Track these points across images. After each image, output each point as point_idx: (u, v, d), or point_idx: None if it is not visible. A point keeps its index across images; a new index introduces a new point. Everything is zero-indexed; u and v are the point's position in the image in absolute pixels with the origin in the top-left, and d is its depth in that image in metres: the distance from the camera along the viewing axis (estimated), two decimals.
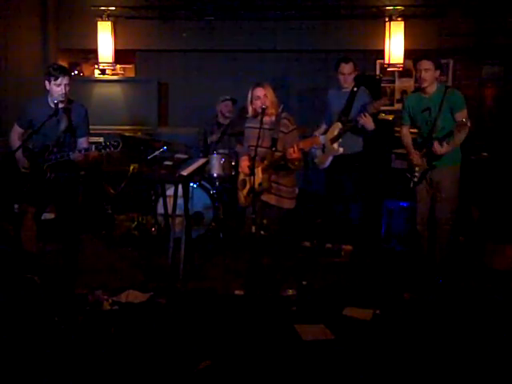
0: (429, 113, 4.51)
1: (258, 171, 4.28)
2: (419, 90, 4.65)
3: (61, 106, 4.33)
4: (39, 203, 4.48)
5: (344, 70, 5.21)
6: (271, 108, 4.35)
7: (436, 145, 4.42)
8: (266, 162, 4.28)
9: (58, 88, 4.29)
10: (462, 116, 4.41)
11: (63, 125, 4.34)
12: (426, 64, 4.46)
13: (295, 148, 4.08)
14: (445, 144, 4.41)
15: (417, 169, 4.60)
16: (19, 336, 3.62)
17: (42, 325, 3.76)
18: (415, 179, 4.63)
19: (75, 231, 4.63)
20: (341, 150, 5.05)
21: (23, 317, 3.84)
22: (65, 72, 4.32)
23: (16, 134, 4.54)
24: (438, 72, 4.51)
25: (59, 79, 4.27)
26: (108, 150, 4.27)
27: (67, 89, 4.31)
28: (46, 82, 4.34)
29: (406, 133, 4.79)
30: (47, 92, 4.38)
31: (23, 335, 3.63)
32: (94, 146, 4.29)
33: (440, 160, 4.50)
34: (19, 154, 4.39)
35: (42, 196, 4.43)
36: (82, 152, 4.29)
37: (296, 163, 4.22)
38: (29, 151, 4.41)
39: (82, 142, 4.45)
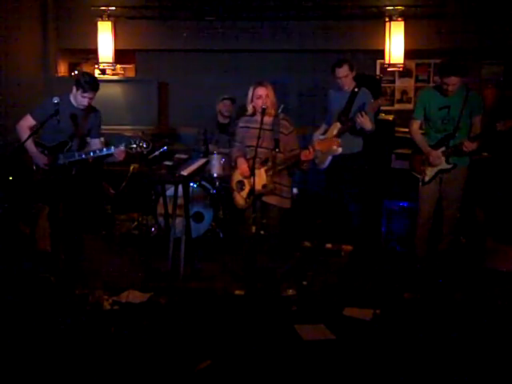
0: (447, 111, 4.47)
1: (262, 173, 4.26)
2: (437, 87, 4.59)
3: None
4: (58, 200, 4.52)
5: (339, 74, 5.14)
6: (271, 108, 4.34)
7: (468, 142, 4.36)
8: (270, 163, 4.27)
9: (83, 99, 4.43)
10: (478, 120, 4.44)
11: (85, 127, 4.44)
12: (455, 80, 4.37)
13: (311, 150, 4.12)
14: (474, 141, 4.37)
15: (430, 168, 4.56)
16: (19, 336, 3.63)
17: (44, 325, 3.77)
18: (427, 178, 4.59)
19: (80, 229, 4.67)
20: (340, 150, 5.04)
21: (28, 316, 3.86)
22: (94, 88, 4.43)
23: (27, 123, 4.55)
24: (464, 79, 4.44)
25: (87, 93, 4.40)
26: (139, 149, 4.34)
27: (91, 101, 4.47)
28: (74, 88, 4.44)
29: (417, 129, 4.68)
30: (70, 91, 4.50)
31: (24, 335, 3.63)
32: (124, 145, 4.36)
33: (460, 159, 4.47)
34: (33, 149, 4.42)
35: (62, 192, 4.46)
36: (112, 149, 4.36)
37: (305, 164, 4.25)
38: (44, 147, 4.45)
39: (96, 143, 4.52)
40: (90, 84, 4.41)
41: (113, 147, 4.36)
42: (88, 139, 4.60)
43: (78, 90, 4.42)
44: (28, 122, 4.56)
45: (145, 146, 4.32)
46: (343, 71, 5.12)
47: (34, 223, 4.57)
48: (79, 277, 4.55)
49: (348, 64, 5.14)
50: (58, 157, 4.41)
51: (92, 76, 4.59)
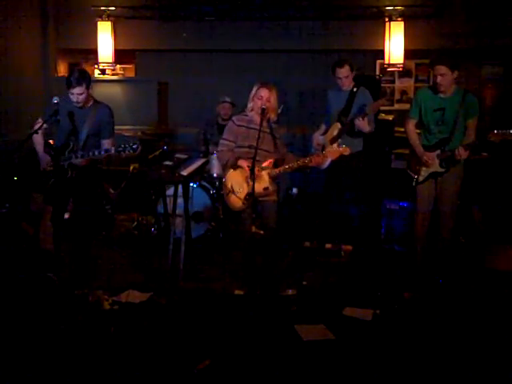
0: (442, 113, 4.43)
1: (264, 175, 4.26)
2: (432, 87, 4.57)
3: (87, 105, 4.38)
4: (60, 202, 4.50)
5: (340, 74, 5.14)
6: (271, 111, 4.34)
7: (461, 150, 4.32)
8: (272, 166, 4.28)
9: (71, 96, 4.36)
10: (473, 122, 4.41)
11: (87, 125, 4.37)
12: (441, 69, 4.33)
13: (323, 156, 4.22)
14: (467, 149, 4.34)
15: (424, 168, 4.55)
16: (20, 335, 3.63)
17: (44, 324, 3.77)
18: (420, 178, 4.57)
19: (91, 230, 4.65)
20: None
21: (29, 316, 3.86)
22: (77, 83, 4.30)
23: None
24: (455, 73, 4.38)
25: (71, 89, 4.33)
26: (128, 152, 4.27)
27: (81, 97, 4.34)
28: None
29: (412, 128, 4.65)
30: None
31: (24, 334, 3.64)
32: (113, 149, 4.29)
33: (454, 163, 4.45)
34: (41, 150, 4.43)
35: (63, 194, 4.45)
36: (103, 153, 4.29)
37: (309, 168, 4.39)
38: (50, 147, 4.43)
39: (106, 144, 4.46)
40: (71, 80, 4.30)
41: (103, 151, 4.31)
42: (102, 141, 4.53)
43: (67, 88, 4.35)
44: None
45: (134, 147, 4.27)
46: (344, 71, 5.12)
47: (38, 223, 4.57)
48: (80, 277, 4.55)
49: (349, 64, 5.13)
50: (60, 159, 4.38)
51: (77, 71, 4.40)
